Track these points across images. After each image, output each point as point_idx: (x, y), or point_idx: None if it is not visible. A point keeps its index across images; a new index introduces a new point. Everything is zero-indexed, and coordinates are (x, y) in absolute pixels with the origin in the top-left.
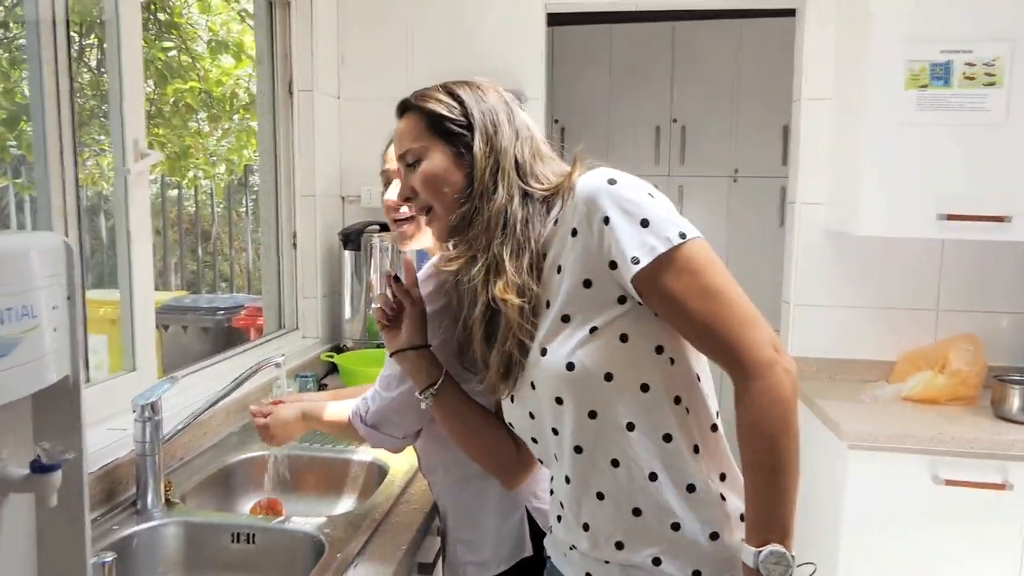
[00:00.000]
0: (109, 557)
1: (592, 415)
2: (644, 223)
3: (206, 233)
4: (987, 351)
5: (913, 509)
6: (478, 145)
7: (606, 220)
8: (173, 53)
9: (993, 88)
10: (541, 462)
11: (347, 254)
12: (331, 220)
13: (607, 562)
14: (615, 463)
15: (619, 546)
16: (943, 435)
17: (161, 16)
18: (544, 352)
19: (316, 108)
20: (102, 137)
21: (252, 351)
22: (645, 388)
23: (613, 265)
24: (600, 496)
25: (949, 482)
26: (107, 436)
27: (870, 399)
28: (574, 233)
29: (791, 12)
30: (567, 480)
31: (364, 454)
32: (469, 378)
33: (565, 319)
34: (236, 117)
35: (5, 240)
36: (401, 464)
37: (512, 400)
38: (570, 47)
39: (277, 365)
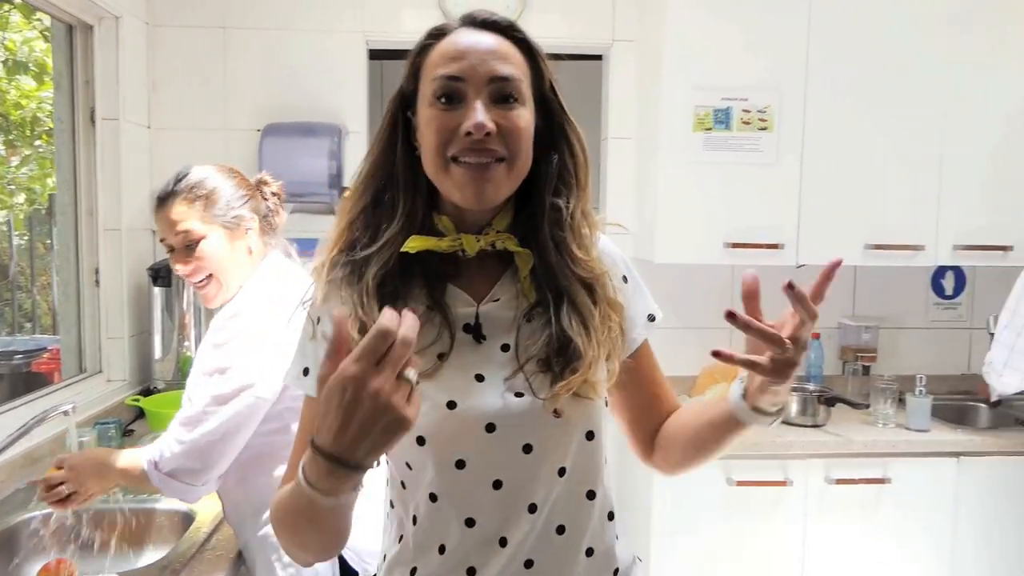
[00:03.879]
0: None
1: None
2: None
3: (4, 268)
4: None
5: (711, 509)
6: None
7: (625, 279)
8: None
9: (766, 132)
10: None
11: (157, 290)
12: (140, 255)
13: None
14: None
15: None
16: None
17: None
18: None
19: (122, 137)
20: None
21: (44, 399)
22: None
23: None
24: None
25: (740, 483)
26: None
27: None
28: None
29: (599, 57)
30: (560, 531)
31: (170, 502)
32: None
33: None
34: (38, 143)
35: None
36: (210, 509)
37: (493, 430)
38: (399, 81)
39: (66, 413)
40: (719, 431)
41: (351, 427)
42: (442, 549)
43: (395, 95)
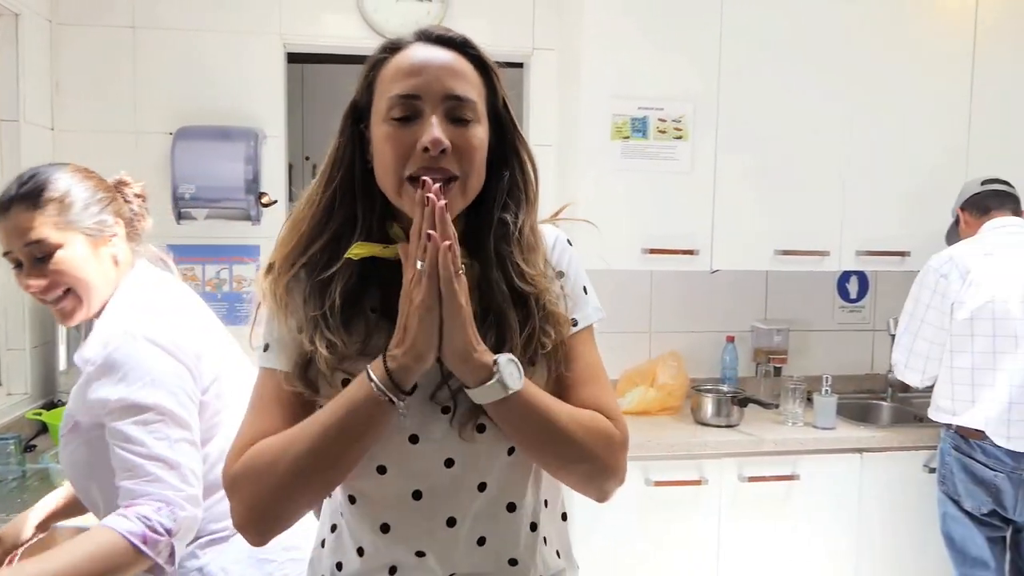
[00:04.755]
0: None
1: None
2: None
3: None
4: (689, 366)
5: (629, 509)
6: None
7: (561, 274)
8: None
9: (681, 141)
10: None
11: None
12: None
13: None
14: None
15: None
16: (651, 441)
17: None
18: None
19: (23, 139)
20: None
21: None
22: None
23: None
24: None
25: (657, 483)
26: None
27: None
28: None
29: (520, 64)
30: (481, 542)
31: (79, 522)
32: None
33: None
34: None
35: None
36: None
37: (416, 442)
38: (321, 84)
39: None
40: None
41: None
42: (360, 551)
43: (347, 109)
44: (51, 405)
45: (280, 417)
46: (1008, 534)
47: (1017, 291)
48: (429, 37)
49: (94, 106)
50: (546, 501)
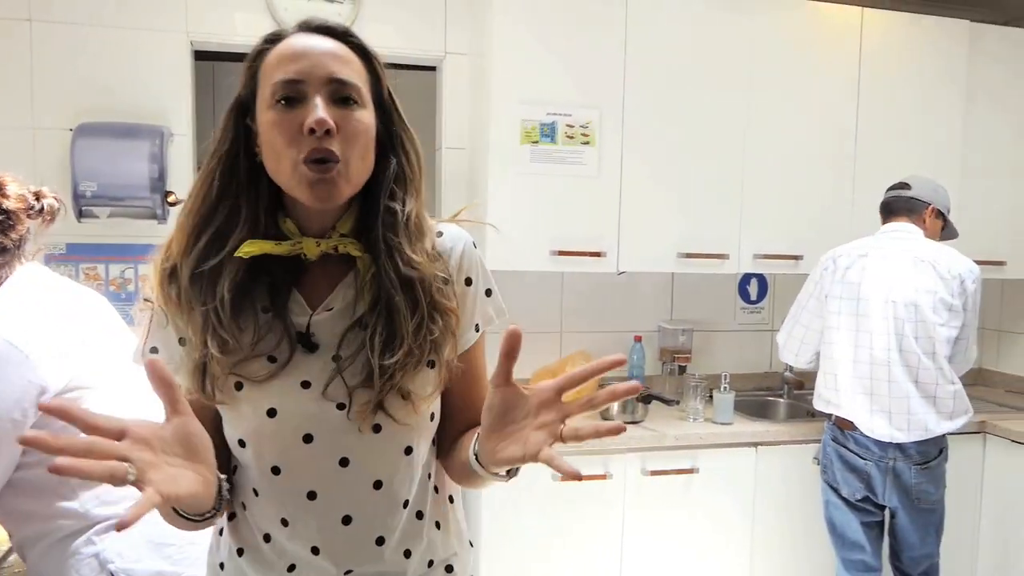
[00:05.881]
0: None
1: (427, 477)
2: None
3: None
4: None
5: (537, 504)
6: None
7: (469, 281)
8: None
9: (588, 146)
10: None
11: None
12: None
13: None
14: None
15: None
16: None
17: None
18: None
19: None
20: None
21: None
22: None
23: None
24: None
25: (564, 478)
26: None
27: None
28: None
29: (433, 68)
30: (380, 542)
31: None
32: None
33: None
34: None
35: None
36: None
37: (311, 441)
38: (232, 83)
39: None
40: (469, 474)
41: None
42: (267, 537)
43: (232, 104)
44: None
45: None
46: (886, 519)
47: (880, 292)
48: (310, 27)
49: None
50: (436, 488)
